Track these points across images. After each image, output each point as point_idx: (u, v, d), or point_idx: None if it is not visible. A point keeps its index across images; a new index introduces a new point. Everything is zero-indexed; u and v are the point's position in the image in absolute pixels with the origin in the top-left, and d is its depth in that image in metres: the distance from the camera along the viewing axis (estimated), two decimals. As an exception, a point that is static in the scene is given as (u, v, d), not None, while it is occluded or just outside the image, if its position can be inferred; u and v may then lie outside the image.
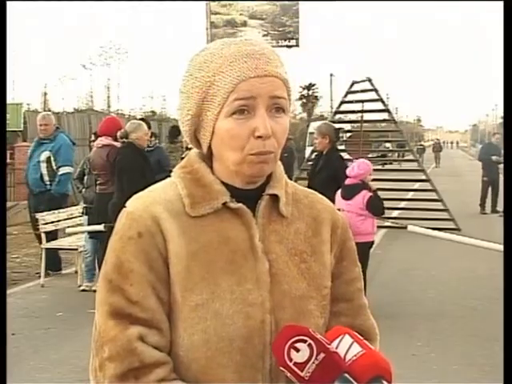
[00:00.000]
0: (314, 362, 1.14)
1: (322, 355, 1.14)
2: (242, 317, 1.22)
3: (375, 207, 6.32)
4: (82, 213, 7.83)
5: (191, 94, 1.26)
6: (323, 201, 1.41)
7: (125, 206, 1.29)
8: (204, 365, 1.21)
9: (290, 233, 1.31)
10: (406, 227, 7.04)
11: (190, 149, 1.37)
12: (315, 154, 7.40)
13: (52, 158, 8.28)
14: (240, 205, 1.27)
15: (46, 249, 7.92)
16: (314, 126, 7.43)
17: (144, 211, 1.24)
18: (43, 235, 7.84)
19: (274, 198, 1.31)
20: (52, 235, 8.15)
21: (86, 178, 7.72)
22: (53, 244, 8.02)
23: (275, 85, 1.23)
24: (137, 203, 1.27)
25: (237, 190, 1.28)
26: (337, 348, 1.18)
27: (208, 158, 1.31)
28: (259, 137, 1.22)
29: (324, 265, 1.33)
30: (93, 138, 7.98)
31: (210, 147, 1.28)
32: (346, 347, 1.19)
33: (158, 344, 1.21)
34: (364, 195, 6.32)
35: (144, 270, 1.21)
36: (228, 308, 1.22)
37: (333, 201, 6.82)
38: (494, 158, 15.15)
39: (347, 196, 6.39)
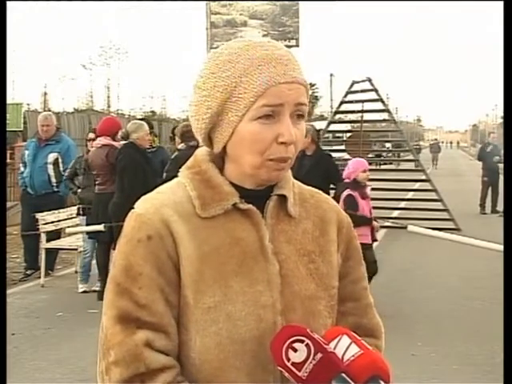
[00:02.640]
0: (311, 362, 1.14)
1: (319, 355, 1.14)
2: (253, 319, 1.22)
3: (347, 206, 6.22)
4: (78, 213, 7.76)
5: (213, 92, 1.23)
6: (329, 200, 1.42)
7: (132, 208, 1.28)
8: (216, 367, 1.21)
9: (298, 233, 1.31)
10: (406, 227, 7.04)
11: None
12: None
13: (60, 160, 8.25)
14: (250, 206, 1.27)
15: (47, 249, 7.93)
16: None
17: (154, 214, 1.24)
18: (43, 235, 7.84)
19: (282, 199, 1.31)
20: (55, 235, 8.16)
21: (80, 177, 7.69)
22: (53, 244, 8.02)
23: (300, 92, 1.23)
24: (146, 205, 1.26)
25: (245, 191, 1.28)
26: (335, 348, 1.19)
27: (219, 157, 1.31)
28: (282, 143, 1.22)
29: (332, 265, 1.34)
30: (91, 135, 7.90)
31: (223, 147, 1.27)
32: (344, 347, 1.19)
33: (165, 348, 1.20)
34: (344, 195, 6.38)
35: (153, 274, 1.21)
36: (240, 310, 1.22)
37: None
38: (495, 158, 15.14)
39: (337, 197, 6.49)
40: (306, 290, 1.28)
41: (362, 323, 1.38)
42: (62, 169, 8.22)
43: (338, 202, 6.53)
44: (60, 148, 8.31)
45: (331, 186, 7.19)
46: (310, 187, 1.42)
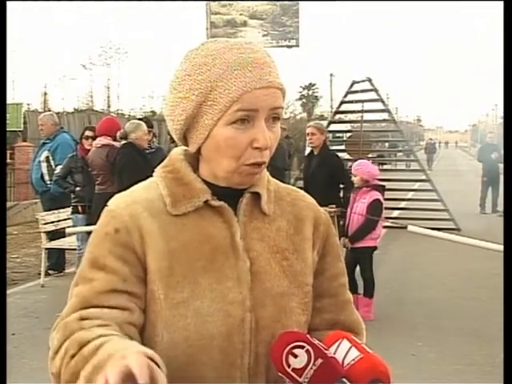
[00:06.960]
0: (311, 368, 1.14)
1: (319, 361, 1.14)
2: (221, 314, 1.23)
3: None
4: (74, 212, 7.73)
5: (188, 95, 1.24)
6: (305, 198, 1.41)
7: (107, 205, 1.30)
8: (184, 362, 1.22)
9: (272, 230, 1.31)
10: (406, 227, 7.03)
11: None
12: (308, 153, 7.44)
13: (50, 158, 8.31)
14: (221, 203, 1.27)
15: (47, 249, 7.92)
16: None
17: (123, 209, 1.26)
18: (43, 235, 7.84)
19: (256, 196, 1.31)
20: (58, 234, 8.17)
21: (77, 176, 7.67)
22: (53, 244, 8.02)
23: (276, 96, 1.24)
24: (117, 202, 1.29)
25: (218, 188, 1.29)
26: (335, 353, 1.18)
27: (195, 156, 1.32)
28: (257, 148, 1.22)
29: (306, 262, 1.34)
30: (88, 133, 7.88)
31: (199, 148, 1.28)
32: (344, 352, 1.19)
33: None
34: None
35: (117, 265, 1.22)
36: (208, 306, 1.22)
37: (337, 199, 6.82)
38: (493, 155, 15.16)
39: (347, 197, 6.53)
40: (278, 287, 1.28)
41: (339, 320, 1.37)
42: (53, 166, 8.27)
43: (347, 201, 6.53)
44: (51, 146, 8.42)
45: (340, 185, 7.18)
46: (287, 186, 1.43)
